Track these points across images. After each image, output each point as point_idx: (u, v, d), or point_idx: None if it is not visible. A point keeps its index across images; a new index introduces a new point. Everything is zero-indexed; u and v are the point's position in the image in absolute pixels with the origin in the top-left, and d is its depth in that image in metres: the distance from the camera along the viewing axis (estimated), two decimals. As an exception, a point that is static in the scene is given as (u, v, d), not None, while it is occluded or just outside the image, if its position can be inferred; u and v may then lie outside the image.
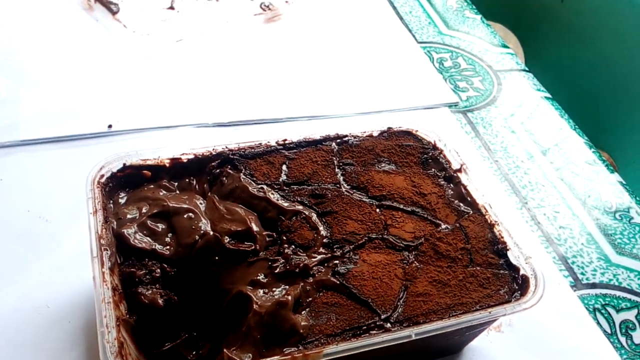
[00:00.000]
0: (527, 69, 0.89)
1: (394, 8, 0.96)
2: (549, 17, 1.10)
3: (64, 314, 0.50)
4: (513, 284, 0.47)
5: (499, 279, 0.47)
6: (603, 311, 0.59)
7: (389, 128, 0.59)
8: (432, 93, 0.80)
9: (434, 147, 0.58)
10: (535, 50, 1.13)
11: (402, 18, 0.94)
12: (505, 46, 0.92)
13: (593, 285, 0.61)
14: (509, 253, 0.49)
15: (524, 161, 0.73)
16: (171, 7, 0.85)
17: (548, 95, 0.84)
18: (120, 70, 0.74)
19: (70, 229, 0.56)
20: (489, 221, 0.52)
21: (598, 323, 0.57)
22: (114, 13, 0.81)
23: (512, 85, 0.85)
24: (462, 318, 0.44)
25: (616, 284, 0.61)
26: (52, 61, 0.74)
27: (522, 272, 0.48)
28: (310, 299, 0.45)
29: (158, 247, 0.46)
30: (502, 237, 0.50)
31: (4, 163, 0.61)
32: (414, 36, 0.91)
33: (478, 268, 0.48)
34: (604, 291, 0.61)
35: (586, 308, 0.58)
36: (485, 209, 0.52)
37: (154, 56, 0.77)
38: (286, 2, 0.90)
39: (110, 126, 0.66)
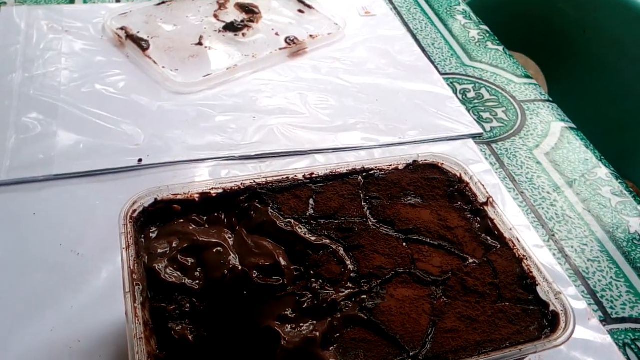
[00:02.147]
0: (550, 99, 0.89)
1: (417, 41, 0.97)
2: (571, 47, 1.10)
3: (95, 349, 0.50)
4: (543, 320, 0.47)
5: (529, 315, 0.47)
6: (633, 346, 0.58)
7: (415, 161, 0.59)
8: (456, 124, 0.81)
9: (460, 180, 0.58)
10: (557, 80, 1.13)
11: (425, 50, 0.95)
12: (528, 77, 0.93)
13: (623, 320, 0.60)
14: (538, 288, 0.49)
15: (550, 193, 0.73)
16: (199, 43, 0.87)
17: (572, 125, 0.84)
18: (150, 105, 0.76)
19: (101, 263, 0.57)
20: (517, 255, 0.51)
21: (628, 358, 0.56)
22: (144, 50, 0.83)
23: (536, 115, 0.85)
24: (492, 355, 0.43)
25: (647, 318, 0.60)
26: (83, 96, 0.76)
27: (552, 307, 0.47)
28: (338, 334, 0.45)
29: (188, 281, 0.47)
30: (531, 272, 0.50)
31: (38, 197, 0.63)
32: (437, 68, 0.91)
33: (507, 304, 0.48)
34: (634, 326, 0.60)
35: (616, 343, 0.57)
36: (513, 242, 0.52)
37: (183, 91, 0.79)
38: (311, 36, 0.92)
39: (140, 160, 0.68)
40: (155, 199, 0.51)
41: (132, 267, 0.45)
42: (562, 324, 0.46)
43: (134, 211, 0.49)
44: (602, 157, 0.79)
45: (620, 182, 0.75)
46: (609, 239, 0.68)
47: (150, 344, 0.42)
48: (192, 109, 0.77)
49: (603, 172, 0.77)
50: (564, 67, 1.12)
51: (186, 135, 0.73)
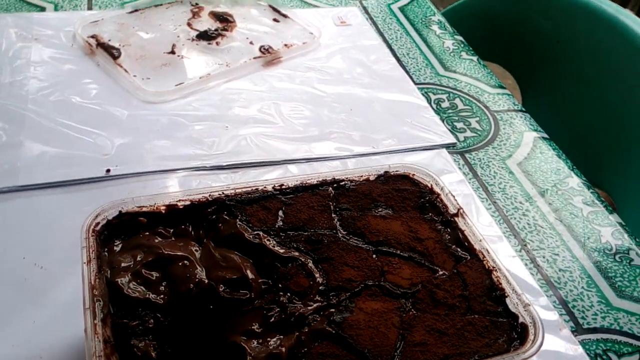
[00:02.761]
0: (524, 109, 0.89)
1: (392, 51, 0.97)
2: (545, 58, 1.11)
3: (57, 365, 0.49)
4: (512, 333, 0.47)
5: (498, 328, 0.47)
6: (604, 357, 0.58)
7: (386, 172, 0.59)
8: (430, 134, 0.81)
9: (431, 191, 0.58)
10: (531, 90, 1.14)
11: (400, 60, 0.95)
12: (501, 87, 0.93)
13: (594, 330, 0.60)
14: (507, 300, 0.49)
15: (522, 202, 0.73)
16: (172, 52, 0.86)
17: (545, 135, 0.84)
18: (121, 115, 0.75)
19: (66, 277, 0.55)
20: (486, 267, 0.51)
21: (601, 369, 0.56)
22: (115, 58, 0.82)
23: (509, 125, 0.85)
24: (460, 369, 0.43)
25: (617, 328, 0.60)
26: (51, 105, 0.75)
27: (520, 320, 0.47)
28: (305, 349, 0.44)
29: (152, 296, 0.46)
30: (500, 284, 0.49)
31: (1, 209, 0.61)
32: (411, 78, 0.92)
33: (476, 316, 0.47)
34: (605, 336, 0.60)
35: (587, 354, 0.57)
36: (482, 254, 0.52)
37: (155, 100, 0.78)
38: (285, 45, 0.92)
39: (108, 170, 0.67)
40: (120, 212, 0.50)
41: (92, 282, 0.43)
42: (531, 336, 0.45)
43: (97, 224, 0.48)
44: (574, 167, 0.79)
45: (592, 192, 0.76)
46: (581, 249, 0.68)
47: (111, 361, 0.41)
48: (164, 119, 0.76)
49: (575, 181, 0.77)
50: (537, 77, 1.13)
51: (157, 145, 0.72)
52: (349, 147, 0.77)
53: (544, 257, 0.66)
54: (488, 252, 0.52)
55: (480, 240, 0.53)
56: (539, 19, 1.11)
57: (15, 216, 0.61)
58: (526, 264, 0.65)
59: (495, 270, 0.51)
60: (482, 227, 0.68)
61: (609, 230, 0.71)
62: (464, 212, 0.55)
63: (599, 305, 0.62)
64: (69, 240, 0.58)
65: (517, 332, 0.47)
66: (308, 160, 0.74)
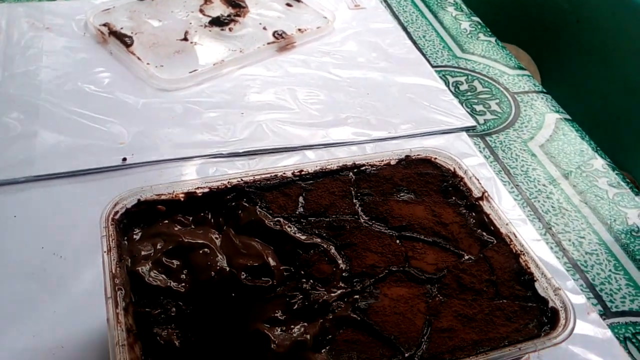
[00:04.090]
0: (544, 90, 0.87)
1: (408, 33, 0.96)
2: (564, 38, 1.08)
3: (79, 355, 0.48)
4: (542, 317, 0.45)
5: (527, 312, 0.46)
6: (634, 340, 0.56)
7: (407, 156, 0.58)
8: (449, 117, 0.79)
9: (454, 175, 0.56)
10: (551, 71, 1.11)
11: (416, 43, 0.94)
12: (521, 68, 0.91)
13: (623, 314, 0.59)
14: (536, 284, 0.47)
15: (545, 185, 0.71)
16: (185, 39, 0.85)
17: (567, 116, 0.82)
18: (135, 103, 0.74)
19: (85, 266, 0.55)
20: (514, 251, 0.50)
21: (629, 352, 0.55)
22: (128, 46, 0.81)
23: (530, 107, 0.83)
24: (490, 355, 0.42)
25: (647, 311, 0.59)
26: (65, 94, 0.74)
27: (550, 304, 0.46)
28: (330, 336, 0.43)
29: (173, 284, 0.45)
30: (529, 268, 0.48)
31: (18, 199, 0.61)
32: (428, 60, 0.90)
33: (504, 301, 0.46)
34: (635, 319, 0.58)
35: (617, 337, 0.56)
36: (509, 238, 0.51)
37: (169, 87, 0.77)
38: (299, 30, 0.90)
39: (124, 159, 0.66)
40: (139, 200, 0.49)
41: (113, 271, 0.43)
42: (562, 321, 0.44)
43: (116, 213, 0.47)
44: (598, 148, 0.77)
45: (617, 174, 0.74)
46: (607, 231, 0.66)
47: (134, 350, 0.41)
48: (178, 106, 0.75)
49: (599, 163, 0.75)
50: (557, 58, 1.11)
51: (172, 133, 0.71)
52: (367, 132, 0.75)
53: (569, 240, 0.65)
54: (515, 236, 0.50)
55: (507, 224, 0.51)
56: (558, -2, 1.08)
57: (32, 206, 0.60)
58: (551, 248, 0.64)
59: (523, 254, 0.49)
60: (504, 210, 0.66)
61: (635, 212, 0.69)
62: (488, 195, 0.54)
63: (627, 288, 0.61)
64: (87, 229, 0.57)
65: (548, 316, 0.45)
66: (325, 145, 0.72)
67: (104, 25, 0.84)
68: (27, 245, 0.56)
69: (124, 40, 0.82)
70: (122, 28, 0.84)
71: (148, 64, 0.79)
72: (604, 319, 0.57)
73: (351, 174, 0.56)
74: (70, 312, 0.52)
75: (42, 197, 0.61)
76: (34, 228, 0.58)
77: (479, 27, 1.00)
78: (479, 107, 0.82)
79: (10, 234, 0.57)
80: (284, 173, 0.54)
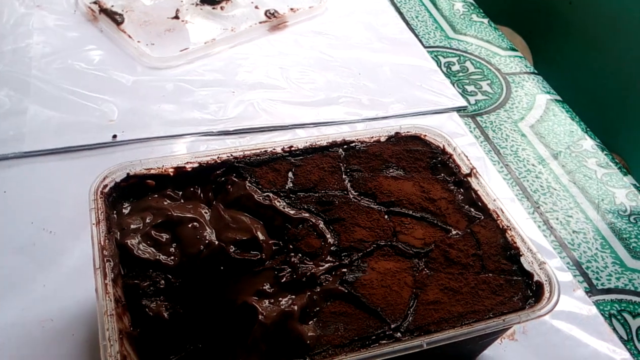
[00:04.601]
0: (536, 71, 0.87)
1: (401, 14, 0.95)
2: (557, 19, 1.08)
3: (68, 327, 0.49)
4: (527, 291, 0.46)
5: (512, 286, 0.46)
6: (619, 317, 0.57)
7: (397, 133, 0.58)
8: (440, 97, 0.79)
9: (443, 152, 0.57)
10: (543, 52, 1.11)
11: (409, 23, 0.93)
12: (513, 49, 0.91)
13: (608, 291, 0.59)
14: (522, 259, 0.48)
15: (535, 165, 0.72)
16: (176, 17, 0.84)
17: (558, 98, 0.83)
18: (126, 81, 0.74)
19: (74, 241, 0.55)
20: (500, 226, 0.50)
21: (614, 329, 0.56)
22: (118, 24, 0.81)
23: (521, 88, 0.83)
24: (475, 326, 0.42)
25: (632, 289, 0.59)
26: (55, 72, 0.74)
27: (536, 278, 0.46)
28: (317, 308, 0.44)
29: (162, 257, 0.45)
30: (515, 243, 0.49)
31: (8, 175, 0.61)
32: (420, 41, 0.90)
33: (490, 275, 0.47)
34: (620, 296, 0.59)
35: (602, 314, 0.57)
36: (496, 213, 0.51)
37: (160, 66, 0.77)
38: (291, 9, 0.90)
39: (114, 136, 0.66)
40: (128, 174, 0.49)
41: (102, 243, 0.43)
42: (547, 294, 0.45)
43: (105, 186, 0.47)
44: (588, 129, 0.78)
45: (605, 154, 0.74)
46: (595, 210, 0.67)
47: (122, 321, 0.41)
48: (169, 84, 0.75)
49: (588, 144, 0.76)
50: (549, 40, 1.11)
51: (163, 110, 0.71)
52: (358, 112, 0.75)
53: (557, 219, 0.65)
54: (502, 212, 0.51)
55: (494, 200, 0.52)
56: (551, -20, 1.08)
57: (22, 182, 0.60)
58: (539, 226, 0.64)
59: (510, 229, 0.50)
60: (493, 189, 0.67)
61: (623, 192, 0.69)
62: (477, 172, 0.54)
63: (613, 266, 0.61)
64: (76, 205, 0.57)
65: (532, 290, 0.46)
66: (317, 124, 0.72)
67: (95, 2, 0.83)
68: (16, 221, 0.57)
69: (115, 18, 0.81)
70: (112, 6, 0.84)
71: (139, 41, 0.79)
72: (589, 296, 0.58)
73: (341, 150, 0.56)
74: (59, 286, 0.52)
75: (32, 173, 0.61)
76: (24, 204, 0.58)
77: (472, 8, 0.99)
78: (470, 88, 0.82)
79: (0, 209, 0.57)
80: (274, 149, 0.54)
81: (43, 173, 0.61)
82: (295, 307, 0.42)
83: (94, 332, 0.48)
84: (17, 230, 0.56)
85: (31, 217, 0.57)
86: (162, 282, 0.45)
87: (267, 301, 0.44)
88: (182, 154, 0.53)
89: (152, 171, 0.50)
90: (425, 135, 0.58)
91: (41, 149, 0.63)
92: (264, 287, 0.45)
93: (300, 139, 0.56)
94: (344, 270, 0.46)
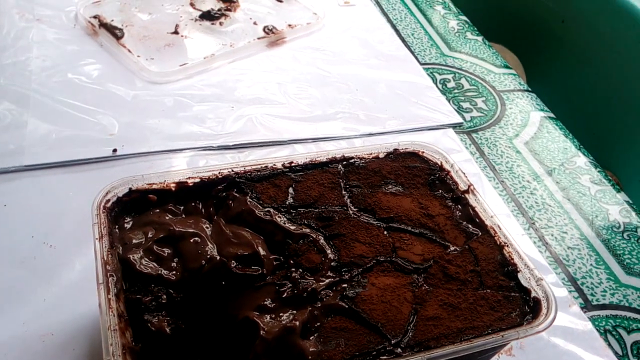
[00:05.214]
0: (529, 89, 0.89)
1: (397, 31, 0.97)
2: (550, 37, 1.10)
3: (69, 342, 0.49)
4: (524, 307, 0.47)
5: (510, 302, 0.47)
6: (614, 332, 0.58)
7: (395, 149, 0.59)
8: (436, 114, 0.80)
9: (441, 169, 0.57)
10: (536, 70, 1.13)
11: (405, 40, 0.95)
12: (507, 67, 0.93)
13: (603, 307, 0.60)
14: (519, 275, 0.48)
15: (530, 181, 0.73)
16: (175, 32, 0.85)
17: (552, 115, 0.84)
18: (125, 95, 0.75)
19: (75, 255, 0.55)
20: (498, 242, 0.51)
21: (609, 345, 0.57)
22: (118, 38, 0.81)
23: (516, 105, 0.85)
24: (474, 342, 0.43)
25: (626, 304, 0.60)
26: (55, 86, 0.74)
27: (533, 294, 0.47)
28: (318, 324, 0.44)
29: (164, 272, 0.46)
30: (512, 259, 0.49)
31: (8, 188, 0.61)
32: (416, 58, 0.91)
33: (488, 291, 0.47)
34: (615, 312, 0.60)
35: (597, 330, 0.57)
36: (494, 230, 0.52)
37: (159, 80, 0.77)
38: (289, 25, 0.91)
39: (115, 150, 0.66)
40: (130, 189, 0.50)
41: (105, 258, 0.43)
42: (544, 310, 0.45)
43: (108, 201, 0.48)
44: (581, 146, 0.79)
45: (599, 171, 0.75)
46: (589, 227, 0.68)
47: (125, 336, 0.41)
48: (168, 99, 0.75)
49: (582, 160, 0.77)
50: (542, 57, 1.13)
51: (163, 125, 0.71)
52: (355, 127, 0.76)
53: (552, 235, 0.66)
54: (499, 228, 0.51)
55: (492, 217, 0.52)
56: (544, -1, 1.10)
57: (22, 195, 0.60)
58: (534, 242, 0.65)
59: (507, 245, 0.50)
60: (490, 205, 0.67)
61: (616, 209, 0.71)
62: (474, 188, 0.55)
63: (607, 282, 0.62)
64: (76, 219, 0.58)
65: (530, 306, 0.47)
66: (315, 140, 0.73)
67: (95, 17, 0.84)
68: (17, 234, 0.57)
69: (115, 32, 0.82)
70: (112, 20, 0.84)
71: (138, 56, 0.79)
72: (585, 312, 0.59)
73: (340, 166, 0.56)
74: (60, 300, 0.52)
75: (32, 186, 0.61)
76: (24, 217, 0.58)
77: (467, 26, 1.01)
78: (465, 105, 0.84)
79: (0, 222, 0.57)
80: (274, 164, 0.55)
81: (44, 187, 0.61)
82: (297, 323, 0.43)
83: (95, 347, 0.48)
84: (17, 243, 0.56)
85: (32, 230, 0.57)
86: (164, 297, 0.45)
87: (268, 316, 0.44)
88: (184, 169, 0.54)
89: (154, 186, 0.51)
90: (423, 152, 0.59)
91: (42, 162, 0.63)
92: (265, 302, 0.45)
93: (300, 154, 0.56)
94: (345, 285, 0.47)
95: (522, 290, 0.48)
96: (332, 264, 0.48)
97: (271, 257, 0.48)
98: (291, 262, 0.48)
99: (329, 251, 0.49)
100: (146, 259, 0.46)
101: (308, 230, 0.50)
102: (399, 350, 0.43)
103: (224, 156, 0.69)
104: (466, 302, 0.46)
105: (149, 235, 0.48)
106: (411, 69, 0.89)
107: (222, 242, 0.49)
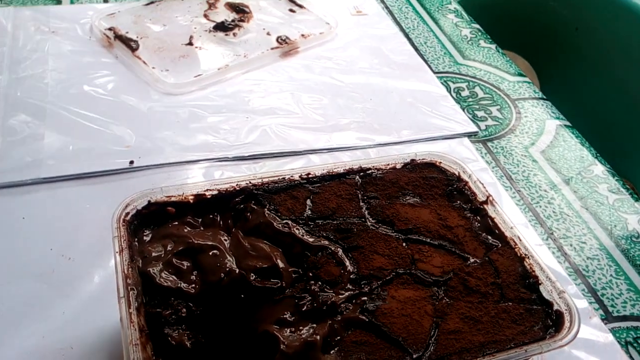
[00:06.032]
0: (544, 97, 0.88)
1: (409, 39, 0.97)
2: (563, 45, 1.10)
3: (88, 356, 0.49)
4: (547, 320, 0.46)
5: (532, 315, 0.46)
6: (635, 344, 0.57)
7: (412, 160, 0.58)
8: (451, 123, 0.80)
9: (459, 179, 0.57)
10: (549, 78, 1.13)
11: (418, 49, 0.95)
12: (521, 74, 0.92)
13: (624, 318, 0.59)
14: (541, 287, 0.48)
15: (547, 191, 0.72)
16: (190, 43, 0.85)
17: (567, 123, 0.84)
18: (141, 106, 0.75)
19: (93, 267, 0.55)
20: (519, 254, 0.51)
21: (630, 356, 0.56)
22: (133, 50, 0.82)
23: (531, 113, 0.84)
24: (497, 357, 0.42)
25: (648, 316, 0.60)
26: (71, 98, 0.74)
27: (555, 307, 0.46)
28: (338, 337, 0.44)
29: (184, 285, 0.46)
30: (534, 271, 0.49)
31: (26, 201, 0.61)
32: (430, 66, 0.91)
33: (510, 303, 0.47)
34: (636, 324, 0.59)
35: (618, 341, 0.57)
36: (514, 241, 0.51)
37: (174, 92, 0.78)
38: (302, 35, 0.91)
39: (131, 162, 0.66)
40: (149, 201, 0.50)
41: (126, 272, 0.43)
42: (567, 323, 0.45)
43: (127, 214, 0.48)
44: (598, 155, 0.78)
45: (617, 180, 0.75)
46: (608, 237, 0.67)
47: (146, 350, 0.41)
48: (183, 110, 0.76)
49: (599, 169, 0.76)
50: (556, 65, 1.12)
51: (178, 136, 0.72)
52: (370, 137, 0.76)
53: (571, 245, 0.66)
54: (520, 240, 0.51)
55: (512, 228, 0.52)
56: (557, 6, 1.10)
57: (40, 208, 0.61)
58: (553, 252, 0.64)
59: (528, 257, 0.50)
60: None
61: (635, 218, 0.70)
62: (493, 199, 0.54)
63: (628, 293, 0.61)
64: (94, 231, 0.58)
65: (552, 319, 0.46)
66: (330, 150, 0.73)
67: (109, 29, 0.85)
68: (35, 247, 0.57)
69: (130, 44, 0.82)
70: (127, 32, 0.85)
71: (153, 68, 0.80)
72: (605, 324, 0.58)
73: (357, 177, 0.56)
74: (79, 313, 0.52)
75: (50, 199, 0.62)
76: (43, 230, 0.58)
77: (480, 34, 1.01)
78: (480, 113, 0.83)
79: (19, 235, 0.58)
80: (292, 176, 0.55)
81: (61, 199, 0.62)
82: (318, 337, 0.42)
83: (114, 361, 0.48)
84: (36, 256, 0.56)
85: (50, 243, 0.57)
86: (184, 310, 0.45)
87: (288, 330, 0.44)
88: (202, 181, 0.54)
89: (173, 198, 0.51)
90: (441, 163, 0.59)
91: (59, 174, 0.64)
92: (285, 316, 0.45)
93: (317, 166, 0.56)
94: (364, 298, 0.46)
95: (544, 303, 0.47)
96: (351, 276, 0.48)
97: (290, 269, 0.48)
98: (310, 274, 0.48)
99: (347, 263, 0.49)
100: (166, 272, 0.46)
101: (326, 242, 0.50)
102: (421, 364, 0.42)
103: (240, 167, 0.69)
104: (487, 315, 0.46)
105: (168, 248, 0.48)
106: (425, 77, 0.88)
107: (241, 254, 0.49)
